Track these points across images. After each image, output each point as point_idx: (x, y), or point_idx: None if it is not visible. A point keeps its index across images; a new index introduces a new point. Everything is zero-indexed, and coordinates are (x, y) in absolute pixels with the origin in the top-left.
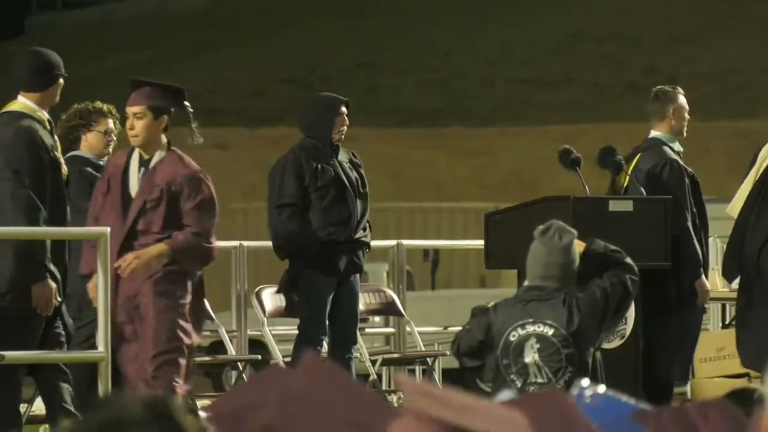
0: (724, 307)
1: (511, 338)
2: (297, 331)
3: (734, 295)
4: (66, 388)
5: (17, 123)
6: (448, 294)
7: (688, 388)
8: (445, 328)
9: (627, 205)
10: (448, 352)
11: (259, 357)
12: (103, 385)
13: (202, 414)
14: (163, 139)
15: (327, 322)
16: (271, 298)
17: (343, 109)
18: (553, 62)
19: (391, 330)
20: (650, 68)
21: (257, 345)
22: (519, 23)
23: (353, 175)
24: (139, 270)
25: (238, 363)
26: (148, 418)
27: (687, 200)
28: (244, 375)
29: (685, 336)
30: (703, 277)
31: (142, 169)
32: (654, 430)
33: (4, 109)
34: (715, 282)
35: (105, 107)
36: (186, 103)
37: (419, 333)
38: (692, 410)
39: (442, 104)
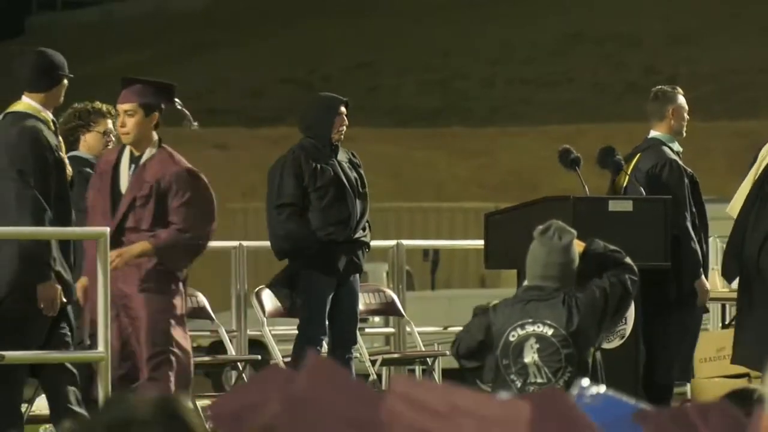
0: (724, 307)
1: (511, 338)
2: (297, 332)
3: (734, 295)
4: (71, 389)
5: (21, 123)
6: (448, 294)
7: (688, 388)
8: (445, 328)
9: (627, 205)
10: (448, 352)
11: (259, 357)
12: (103, 385)
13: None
14: (154, 136)
15: (327, 322)
16: (271, 298)
17: (343, 109)
18: (553, 62)
19: (391, 330)
20: (650, 68)
21: (257, 345)
22: (519, 23)
23: (353, 175)
24: (127, 269)
25: (238, 363)
26: (157, 418)
27: (687, 200)
28: (243, 375)
29: (685, 336)
30: (703, 277)
31: (133, 166)
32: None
33: (9, 110)
34: (715, 282)
35: (104, 107)
36: (176, 99)
37: (419, 333)
38: (692, 411)
39: (442, 104)
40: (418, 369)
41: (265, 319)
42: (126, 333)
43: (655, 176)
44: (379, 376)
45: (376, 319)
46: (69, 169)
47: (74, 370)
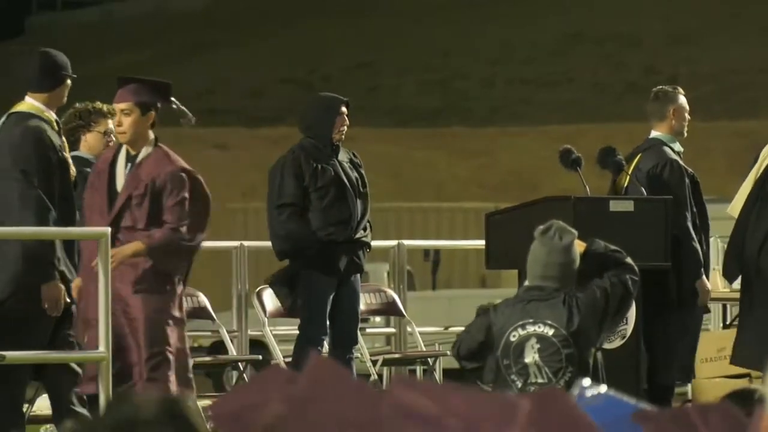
0: (725, 307)
1: (512, 338)
2: (298, 332)
3: (735, 295)
4: (74, 390)
5: (25, 123)
6: (449, 294)
7: (688, 388)
8: (446, 328)
9: (627, 206)
10: (448, 352)
11: (260, 357)
12: (104, 385)
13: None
14: (151, 135)
15: (327, 322)
16: (271, 298)
17: (343, 109)
18: (553, 62)
19: (391, 330)
20: (650, 68)
21: (258, 345)
22: (519, 23)
23: (353, 175)
24: (124, 269)
25: (239, 363)
26: (162, 419)
27: (687, 200)
28: (244, 375)
29: (685, 336)
30: (704, 277)
31: (129, 165)
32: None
33: (12, 110)
34: (716, 282)
35: (104, 108)
36: (172, 98)
37: (420, 333)
38: (693, 411)
39: (442, 104)
40: (419, 369)
41: (266, 319)
42: (122, 333)
43: (655, 176)
44: (380, 376)
45: (377, 319)
46: (73, 169)
47: (78, 371)
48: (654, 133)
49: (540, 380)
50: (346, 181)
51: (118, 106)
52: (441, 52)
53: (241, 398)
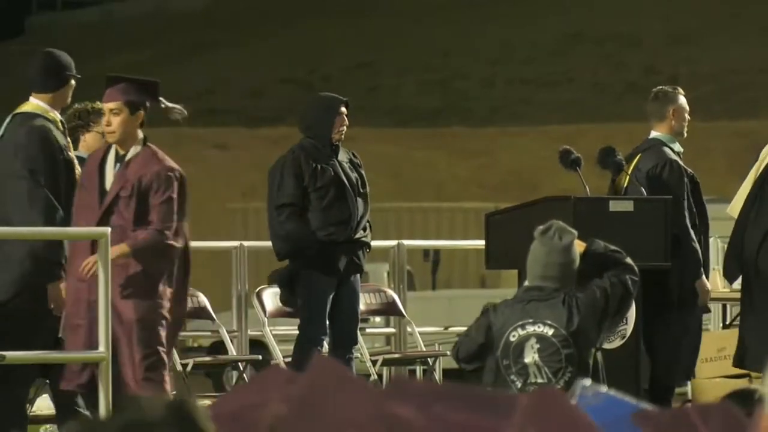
0: (725, 307)
1: (511, 339)
2: (297, 332)
3: (735, 295)
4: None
5: (30, 123)
6: (449, 294)
7: (688, 388)
8: (446, 328)
9: (627, 206)
10: (448, 353)
11: (260, 357)
12: (104, 385)
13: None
14: (140, 134)
15: (327, 322)
16: (271, 298)
17: (343, 109)
18: (553, 62)
19: (391, 330)
20: (650, 68)
21: (258, 345)
22: (519, 23)
23: (353, 175)
24: (113, 270)
25: (239, 363)
26: (169, 420)
27: (687, 200)
28: (244, 375)
29: (685, 336)
30: (704, 277)
31: (118, 164)
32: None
33: (17, 111)
34: (716, 282)
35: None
36: (161, 98)
37: (420, 333)
38: (693, 411)
39: (442, 104)
40: (418, 369)
41: (265, 319)
42: (113, 336)
43: (655, 176)
44: (380, 376)
45: (377, 319)
46: (78, 169)
47: None
48: (654, 134)
49: (540, 380)
50: (345, 181)
51: (107, 106)
52: (441, 52)
53: (241, 398)
